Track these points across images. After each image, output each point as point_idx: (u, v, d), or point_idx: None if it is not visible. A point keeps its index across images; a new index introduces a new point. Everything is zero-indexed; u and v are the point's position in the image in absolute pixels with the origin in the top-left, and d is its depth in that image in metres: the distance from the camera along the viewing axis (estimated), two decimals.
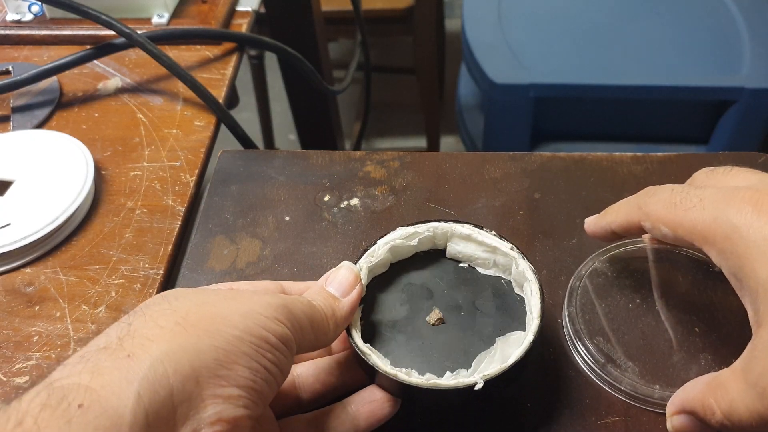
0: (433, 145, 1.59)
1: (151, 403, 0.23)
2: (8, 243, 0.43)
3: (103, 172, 0.51)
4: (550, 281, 0.40)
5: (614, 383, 0.34)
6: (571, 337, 0.37)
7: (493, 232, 0.37)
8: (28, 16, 0.64)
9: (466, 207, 0.45)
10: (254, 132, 1.51)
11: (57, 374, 0.24)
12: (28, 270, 0.44)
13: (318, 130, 0.99)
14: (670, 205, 0.31)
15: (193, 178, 0.50)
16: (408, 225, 0.38)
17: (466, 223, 0.38)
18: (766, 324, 0.27)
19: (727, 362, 0.29)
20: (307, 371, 0.34)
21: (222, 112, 0.55)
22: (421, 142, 1.64)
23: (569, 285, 0.39)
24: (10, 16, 0.64)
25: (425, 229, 0.38)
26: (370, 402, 0.33)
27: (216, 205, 0.46)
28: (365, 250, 0.37)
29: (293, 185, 0.48)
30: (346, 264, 0.35)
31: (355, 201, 0.46)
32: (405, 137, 1.80)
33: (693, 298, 0.37)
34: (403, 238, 0.37)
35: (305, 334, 0.30)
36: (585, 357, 0.35)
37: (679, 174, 0.46)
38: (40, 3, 0.63)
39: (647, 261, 0.39)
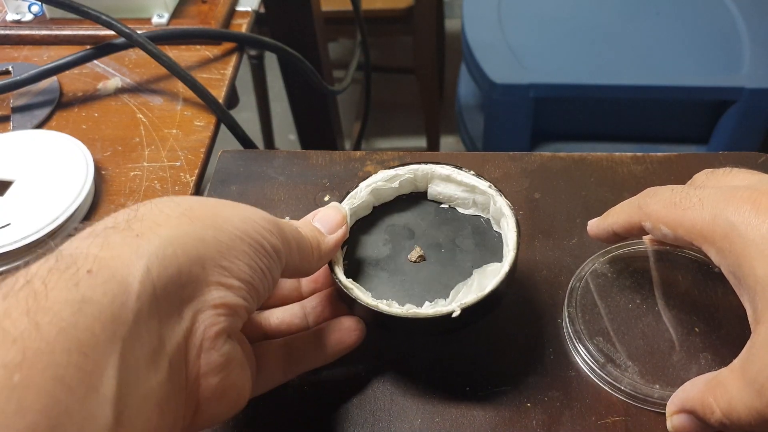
0: (433, 145, 1.59)
1: (159, 277, 0.24)
2: (8, 243, 0.43)
3: (103, 172, 0.51)
4: (550, 281, 0.40)
5: (614, 383, 0.34)
6: (571, 337, 0.37)
7: (472, 172, 0.38)
8: (28, 16, 0.64)
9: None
10: (254, 132, 1.52)
11: (65, 246, 0.25)
12: None
13: (318, 130, 0.99)
14: (670, 204, 0.31)
15: (193, 178, 0.50)
16: (389, 168, 0.39)
17: (446, 164, 0.39)
18: (764, 322, 0.27)
19: (726, 362, 0.29)
20: (273, 315, 0.36)
21: (222, 112, 0.55)
22: (421, 142, 1.64)
23: (569, 285, 0.39)
24: (10, 16, 0.64)
25: (406, 171, 0.39)
26: (338, 330, 0.35)
27: None
28: (348, 193, 0.38)
29: (293, 185, 0.48)
30: (334, 204, 0.37)
31: None
32: (405, 137, 1.80)
33: (693, 298, 0.37)
34: (384, 180, 0.39)
35: (292, 255, 0.31)
36: (585, 357, 0.35)
37: (679, 174, 0.46)
38: (40, 3, 0.63)
39: (647, 261, 0.39)
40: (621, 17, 1.14)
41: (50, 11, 0.64)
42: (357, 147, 1.21)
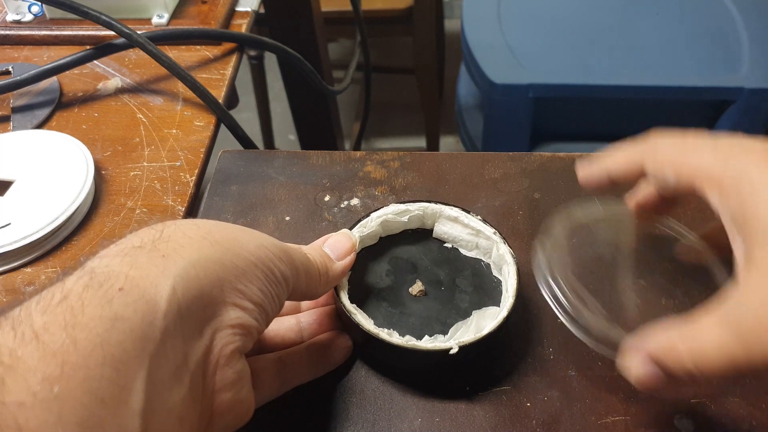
0: (433, 145, 1.59)
1: (183, 298, 0.25)
2: (8, 243, 0.43)
3: (103, 172, 0.51)
4: None
5: (587, 328, 0.33)
6: (545, 276, 0.35)
7: (479, 217, 0.39)
8: (28, 17, 0.64)
9: (465, 207, 0.45)
10: (254, 132, 1.52)
11: (96, 263, 0.26)
12: (28, 270, 0.44)
13: (318, 130, 0.99)
14: (680, 144, 0.30)
15: (193, 178, 0.50)
16: (400, 202, 0.40)
17: (455, 206, 0.40)
18: (756, 265, 0.26)
19: None
20: (271, 328, 0.36)
21: (222, 112, 0.55)
22: (421, 142, 1.64)
23: (546, 225, 0.37)
24: (10, 17, 0.64)
25: (416, 208, 0.40)
26: (329, 347, 0.36)
27: (216, 205, 0.46)
28: (358, 221, 0.39)
29: (293, 185, 0.48)
30: (345, 231, 0.38)
31: (355, 201, 0.46)
32: (405, 137, 1.80)
33: (665, 269, 0.37)
34: (394, 213, 0.40)
35: (299, 282, 0.32)
36: (558, 296, 0.34)
37: None
38: (40, 3, 0.63)
39: (621, 227, 0.38)
40: (621, 17, 1.14)
41: (50, 11, 0.64)
42: (357, 147, 1.21)
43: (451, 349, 0.33)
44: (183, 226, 0.29)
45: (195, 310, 0.26)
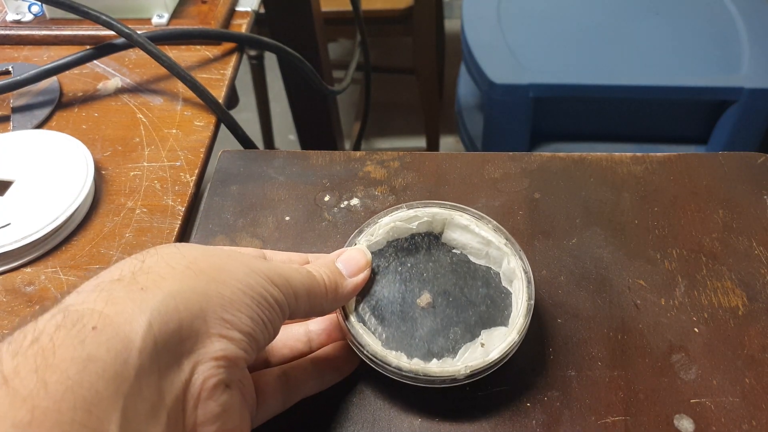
0: (433, 145, 1.59)
1: (160, 333, 0.25)
2: (8, 243, 0.43)
3: (103, 172, 0.51)
4: (550, 281, 0.40)
5: (359, 346, 0.34)
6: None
7: (491, 225, 0.39)
8: (28, 17, 0.64)
9: (477, 212, 0.45)
10: (254, 132, 1.52)
11: (72, 300, 0.25)
12: (28, 270, 0.44)
13: (318, 130, 0.99)
14: None
15: (193, 178, 0.50)
16: (410, 207, 0.39)
17: (466, 211, 0.39)
18: None
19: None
20: (278, 338, 0.35)
21: (222, 112, 0.55)
22: (421, 142, 1.64)
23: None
24: (10, 17, 0.64)
25: (425, 215, 0.39)
26: (335, 359, 0.35)
27: (216, 205, 0.46)
28: (365, 228, 0.38)
29: (293, 185, 0.48)
30: (360, 247, 0.37)
31: (355, 201, 0.46)
32: (405, 137, 1.80)
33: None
34: (403, 220, 0.39)
35: (300, 303, 0.31)
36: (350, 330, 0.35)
37: (678, 174, 0.46)
38: (40, 3, 0.63)
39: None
40: (620, 17, 1.14)
41: (50, 11, 0.64)
42: (357, 147, 1.21)
43: (458, 374, 0.33)
44: (167, 255, 0.28)
45: (172, 344, 0.25)
